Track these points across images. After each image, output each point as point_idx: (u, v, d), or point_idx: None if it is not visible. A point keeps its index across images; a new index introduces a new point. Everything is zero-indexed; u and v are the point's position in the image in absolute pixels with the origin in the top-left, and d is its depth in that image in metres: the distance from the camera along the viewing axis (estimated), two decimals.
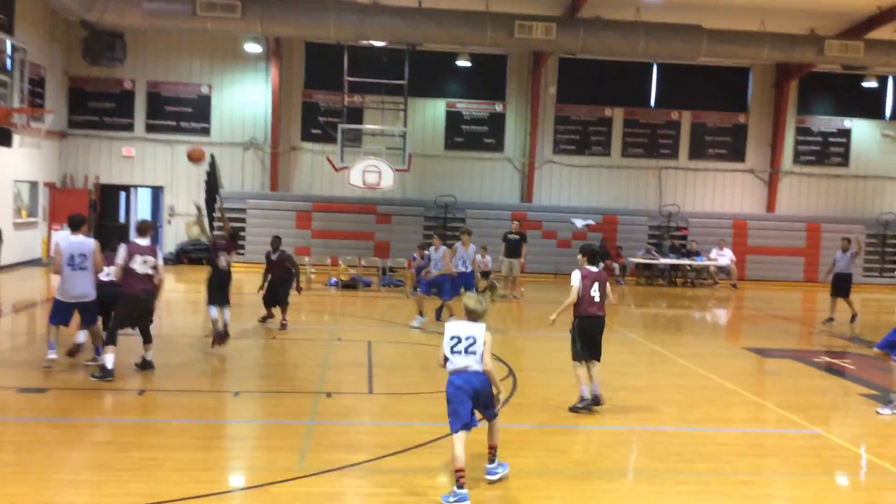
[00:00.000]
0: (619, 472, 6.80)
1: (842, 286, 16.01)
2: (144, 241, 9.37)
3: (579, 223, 23.83)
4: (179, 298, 18.37)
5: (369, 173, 19.93)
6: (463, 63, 24.03)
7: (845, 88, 25.36)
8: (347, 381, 9.65)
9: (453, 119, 24.96)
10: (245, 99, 24.27)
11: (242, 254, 21.64)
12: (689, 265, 23.22)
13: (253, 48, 23.53)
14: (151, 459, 6.48)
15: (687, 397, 9.42)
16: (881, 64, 21.95)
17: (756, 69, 25.37)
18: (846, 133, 25.96)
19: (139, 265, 9.20)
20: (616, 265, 22.87)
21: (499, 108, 25.09)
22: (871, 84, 24.92)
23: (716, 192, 25.59)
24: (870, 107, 25.84)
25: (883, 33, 20.65)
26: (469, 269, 14.59)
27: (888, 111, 25.92)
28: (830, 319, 15.93)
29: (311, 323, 14.65)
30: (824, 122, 25.93)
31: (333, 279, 19.22)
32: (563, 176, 25.13)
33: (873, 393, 9.91)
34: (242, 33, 21.61)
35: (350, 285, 18.97)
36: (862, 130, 25.95)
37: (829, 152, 25.95)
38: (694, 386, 10.06)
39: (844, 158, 25.98)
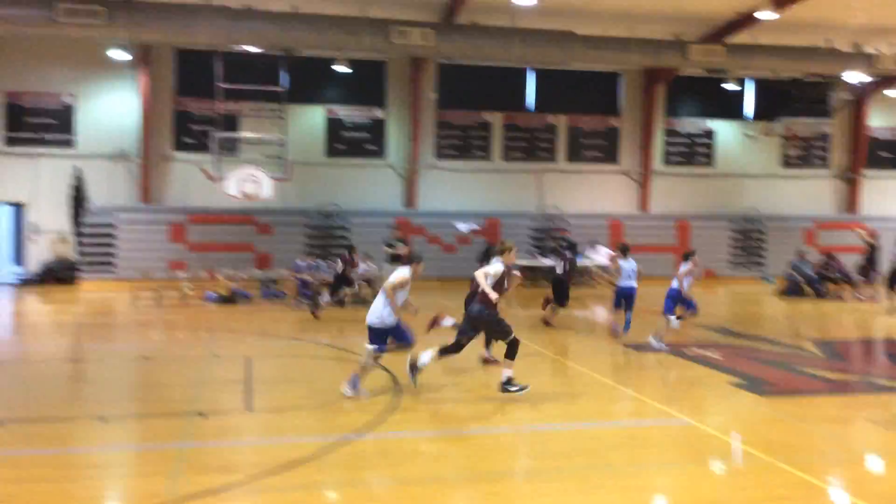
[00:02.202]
0: (502, 474, 6.81)
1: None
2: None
3: (463, 227, 24.02)
4: (45, 321, 17.39)
5: (247, 183, 19.42)
6: (342, 69, 23.81)
7: (709, 91, 26.61)
8: (224, 399, 9.30)
9: (334, 126, 24.70)
10: (112, 108, 23.22)
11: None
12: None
13: (119, 55, 22.53)
14: (8, 496, 6.01)
15: (567, 395, 9.57)
16: (741, 67, 23.17)
17: (626, 74, 26.30)
18: (710, 134, 27.27)
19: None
20: None
21: (380, 114, 25.01)
22: (732, 87, 26.28)
23: (593, 193, 26.32)
24: (731, 109, 27.24)
25: (742, 38, 21.77)
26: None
27: (748, 112, 27.38)
28: None
29: (187, 340, 14.09)
30: (690, 124, 27.14)
31: (211, 293, 18.58)
32: (446, 181, 25.28)
33: (740, 381, 10.37)
34: (108, 39, 20.66)
35: (229, 299, 18.40)
36: (725, 131, 27.32)
37: (695, 152, 27.20)
38: (574, 384, 10.26)
39: (710, 158, 27.28)
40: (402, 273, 9.28)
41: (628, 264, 13.66)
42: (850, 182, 28.03)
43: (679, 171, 27.02)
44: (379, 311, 9.16)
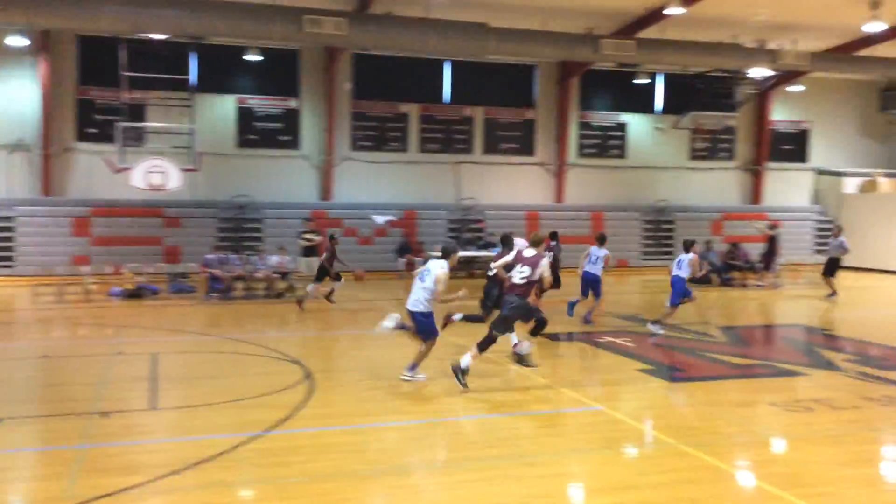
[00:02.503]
0: (415, 467, 6.75)
1: (829, 267, 18.92)
2: (530, 252, 9.64)
3: (380, 219, 23.85)
4: None
5: (153, 174, 18.78)
6: (253, 58, 23.28)
7: (621, 85, 27.12)
8: (128, 397, 8.94)
9: (245, 116, 24.12)
10: (10, 97, 22.11)
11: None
12: (488, 256, 23.84)
13: (18, 41, 21.42)
14: None
15: (484, 386, 9.57)
16: (651, 61, 23.71)
17: (541, 67, 26.55)
18: (623, 127, 27.81)
19: (515, 273, 9.57)
20: (418, 260, 23.07)
21: (293, 104, 24.55)
22: (642, 81, 26.85)
23: (509, 185, 26.50)
24: (642, 102, 27.83)
25: (651, 33, 22.23)
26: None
27: (658, 106, 28.05)
28: (832, 294, 18.40)
29: (90, 337, 13.54)
30: (603, 117, 27.62)
31: (116, 289, 17.89)
32: (362, 172, 25.02)
33: (650, 368, 10.59)
34: (4, 25, 19.63)
35: (135, 294, 17.75)
36: (636, 124, 27.91)
37: (608, 145, 27.70)
38: (491, 373, 10.26)
39: (622, 151, 27.83)
40: (444, 270, 9.52)
41: (599, 252, 14.09)
42: (754, 174, 29.07)
43: (593, 163, 27.47)
44: (420, 300, 9.52)
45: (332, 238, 16.77)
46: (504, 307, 9.62)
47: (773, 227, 22.23)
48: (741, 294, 20.26)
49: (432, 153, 25.79)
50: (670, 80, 27.53)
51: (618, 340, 12.52)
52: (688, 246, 13.76)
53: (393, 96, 25.37)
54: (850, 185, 28.51)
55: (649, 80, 27.18)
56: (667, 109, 27.88)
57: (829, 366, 10.97)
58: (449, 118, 25.96)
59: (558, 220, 25.73)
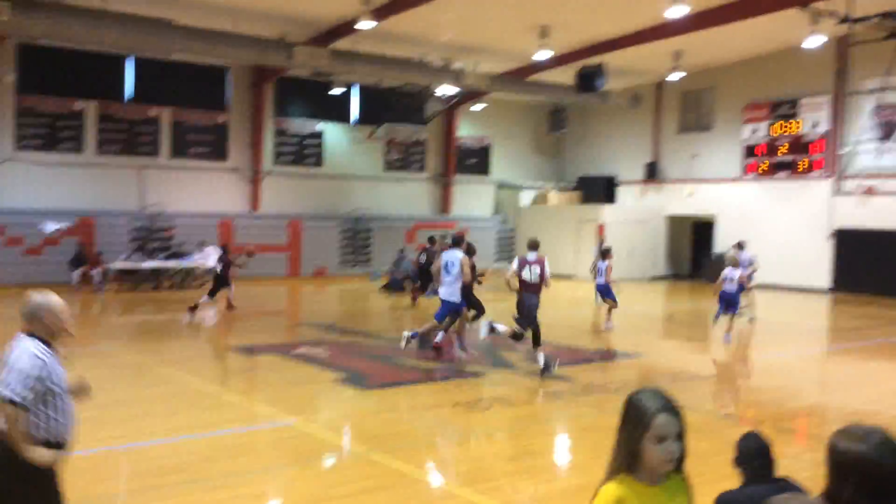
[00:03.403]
0: (86, 502, 6.00)
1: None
2: (532, 255, 10.86)
3: (50, 227, 21.44)
4: None
5: None
6: None
7: (317, 94, 27.11)
8: None
9: None
10: None
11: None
12: (177, 267, 22.56)
13: None
14: None
15: (167, 406, 8.90)
16: (345, 72, 24.01)
17: (234, 70, 25.72)
18: (319, 135, 27.88)
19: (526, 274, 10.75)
20: (95, 272, 21.13)
21: None
22: (338, 91, 27.15)
23: (201, 191, 25.28)
24: (339, 112, 28.11)
25: (345, 44, 22.52)
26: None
27: (354, 116, 28.55)
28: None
29: None
30: (300, 125, 27.45)
31: None
32: (29, 174, 22.30)
33: (345, 377, 10.60)
34: None
35: None
36: (333, 133, 28.14)
37: (305, 153, 27.59)
38: (175, 393, 9.60)
39: (319, 159, 27.88)
40: (466, 259, 11.50)
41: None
42: (444, 185, 30.77)
43: (290, 171, 27.17)
44: (454, 291, 11.41)
45: (225, 249, 17.53)
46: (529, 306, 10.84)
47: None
48: (435, 300, 21.18)
49: (112, 155, 23.75)
50: (365, 92, 28.13)
51: (313, 351, 12.38)
52: (604, 254, 15.78)
53: (66, 91, 22.96)
54: (526, 198, 31.32)
55: (345, 91, 27.53)
56: (363, 120, 28.46)
57: (507, 365, 11.80)
58: (132, 118, 24.11)
59: (254, 229, 25.13)
